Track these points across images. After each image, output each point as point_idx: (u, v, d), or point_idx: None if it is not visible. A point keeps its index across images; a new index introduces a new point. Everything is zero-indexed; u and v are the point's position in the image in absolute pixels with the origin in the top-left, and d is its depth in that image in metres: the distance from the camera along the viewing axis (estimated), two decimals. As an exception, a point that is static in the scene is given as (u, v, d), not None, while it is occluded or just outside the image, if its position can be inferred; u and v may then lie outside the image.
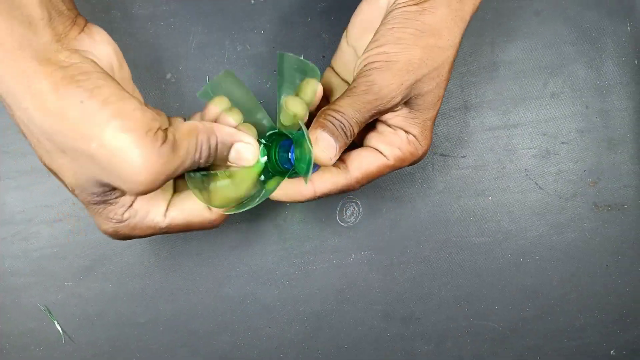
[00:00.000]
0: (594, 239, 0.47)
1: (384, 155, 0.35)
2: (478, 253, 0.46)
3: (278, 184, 0.33)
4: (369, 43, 0.33)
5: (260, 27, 0.46)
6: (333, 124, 0.31)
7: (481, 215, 0.46)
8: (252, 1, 0.46)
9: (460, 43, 0.33)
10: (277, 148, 0.35)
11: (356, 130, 0.32)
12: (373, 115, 0.32)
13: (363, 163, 0.34)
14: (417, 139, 0.35)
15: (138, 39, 0.45)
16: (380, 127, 0.36)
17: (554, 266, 0.46)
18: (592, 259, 0.47)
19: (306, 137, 0.31)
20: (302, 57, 0.34)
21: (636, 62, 0.47)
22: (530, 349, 0.47)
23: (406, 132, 0.35)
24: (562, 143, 0.47)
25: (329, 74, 0.40)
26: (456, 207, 0.46)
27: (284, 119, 0.34)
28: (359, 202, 0.46)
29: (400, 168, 0.36)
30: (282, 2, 0.46)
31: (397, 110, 0.34)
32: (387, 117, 0.35)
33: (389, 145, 0.35)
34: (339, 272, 0.46)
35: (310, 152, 0.31)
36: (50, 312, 0.45)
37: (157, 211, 0.32)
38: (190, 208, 0.33)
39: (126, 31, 0.45)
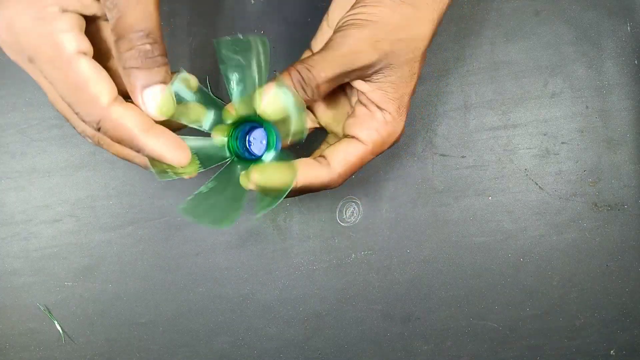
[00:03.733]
0: (594, 239, 0.47)
1: (362, 142, 0.34)
2: (478, 253, 0.46)
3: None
4: (350, 8, 0.33)
5: (260, 27, 0.46)
6: (293, 80, 0.32)
7: (481, 215, 0.46)
8: (252, 1, 0.46)
9: (439, 24, 0.33)
10: (238, 137, 0.34)
11: (323, 89, 0.32)
12: (344, 73, 0.32)
13: (343, 155, 0.34)
14: (393, 118, 0.34)
15: (138, 39, 0.45)
16: (357, 110, 0.35)
17: (554, 266, 0.46)
18: (592, 259, 0.47)
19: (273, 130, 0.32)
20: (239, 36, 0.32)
21: (636, 62, 0.47)
22: (530, 349, 0.47)
23: (382, 109, 0.34)
24: (562, 143, 0.47)
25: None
26: (456, 207, 0.46)
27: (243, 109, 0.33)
28: (359, 202, 0.46)
29: (381, 152, 0.35)
30: (282, 2, 0.46)
31: (372, 80, 0.34)
32: (364, 89, 0.34)
33: (366, 129, 0.34)
34: (339, 272, 0.46)
35: (274, 137, 0.32)
36: (50, 312, 0.45)
37: None
38: None
39: (126, 31, 0.45)
